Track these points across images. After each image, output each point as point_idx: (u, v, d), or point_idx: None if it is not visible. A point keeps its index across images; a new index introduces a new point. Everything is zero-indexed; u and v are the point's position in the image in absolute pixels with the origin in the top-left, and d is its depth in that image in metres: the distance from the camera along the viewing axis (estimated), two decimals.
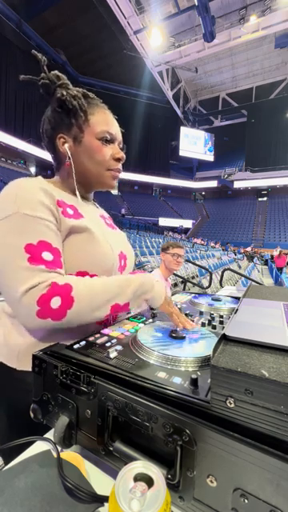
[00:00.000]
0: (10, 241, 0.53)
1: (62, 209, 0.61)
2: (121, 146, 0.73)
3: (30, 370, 0.60)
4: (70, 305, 0.52)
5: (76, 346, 0.49)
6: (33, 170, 23.31)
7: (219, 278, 5.76)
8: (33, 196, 0.57)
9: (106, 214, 0.85)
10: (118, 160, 0.70)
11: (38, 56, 0.65)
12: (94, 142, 0.66)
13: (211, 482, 0.30)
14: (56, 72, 0.67)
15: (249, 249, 19.94)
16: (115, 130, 0.70)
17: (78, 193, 0.69)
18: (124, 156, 0.71)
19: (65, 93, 0.64)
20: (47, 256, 0.55)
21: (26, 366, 0.60)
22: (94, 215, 0.73)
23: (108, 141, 0.68)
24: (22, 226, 0.54)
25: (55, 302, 0.51)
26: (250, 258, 16.13)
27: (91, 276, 0.63)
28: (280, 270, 12.43)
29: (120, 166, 0.72)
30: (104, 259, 0.65)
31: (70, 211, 0.63)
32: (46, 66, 0.66)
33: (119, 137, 0.71)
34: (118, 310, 0.58)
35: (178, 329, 0.56)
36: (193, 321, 0.63)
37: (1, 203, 0.56)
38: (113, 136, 0.69)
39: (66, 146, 0.67)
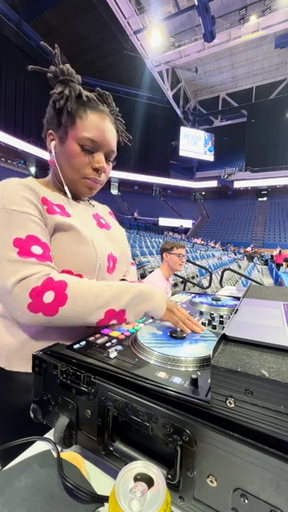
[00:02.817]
0: None
1: (46, 206, 0.61)
2: (112, 154, 0.69)
3: (19, 370, 0.60)
4: (62, 302, 0.51)
5: (76, 346, 0.49)
6: (33, 169, 23.31)
7: (219, 278, 5.75)
8: (18, 192, 0.57)
9: (102, 213, 0.83)
10: (97, 170, 0.66)
11: (49, 48, 0.64)
12: (74, 147, 0.63)
13: (211, 481, 0.30)
14: (66, 66, 0.64)
15: (249, 249, 19.98)
16: (104, 137, 0.65)
17: (67, 191, 0.68)
18: (105, 167, 0.67)
19: (59, 90, 0.62)
20: (37, 250, 0.54)
21: (15, 366, 0.60)
22: (83, 215, 0.71)
23: (88, 149, 0.64)
24: (10, 221, 0.54)
25: (48, 297, 0.50)
26: (250, 258, 16.16)
27: (76, 276, 0.61)
28: (278, 266, 14.47)
29: (100, 176, 0.68)
30: (88, 259, 0.63)
31: (57, 209, 0.63)
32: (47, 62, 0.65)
33: (108, 145, 0.66)
34: (112, 317, 0.56)
35: (178, 329, 0.56)
36: None
37: None
38: (97, 144, 0.64)
39: (52, 143, 0.66)
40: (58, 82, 0.63)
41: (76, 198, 0.74)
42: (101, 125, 0.65)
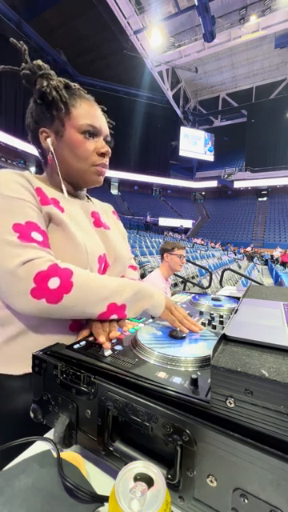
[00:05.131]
0: None
1: (40, 197, 0.59)
2: (108, 139, 0.69)
3: None
4: (68, 289, 0.49)
5: (76, 346, 0.49)
6: (33, 170, 23.29)
7: (219, 278, 5.75)
8: (14, 179, 0.56)
9: (103, 211, 0.81)
10: (103, 155, 0.66)
11: (18, 45, 0.62)
12: (76, 136, 0.63)
13: (211, 481, 0.30)
14: (38, 61, 0.63)
15: (249, 249, 20.00)
16: (100, 123, 0.66)
17: (64, 188, 0.66)
18: (109, 150, 0.67)
19: (45, 83, 0.60)
20: (37, 236, 0.53)
21: None
22: (78, 213, 0.69)
23: (91, 134, 0.65)
24: (8, 207, 0.53)
25: (54, 283, 0.48)
26: (250, 258, 16.21)
27: None
28: (284, 264, 15.53)
29: (106, 160, 0.68)
30: (77, 259, 0.60)
31: (50, 201, 0.61)
32: (43, 61, 0.63)
33: (105, 130, 0.68)
34: (113, 311, 0.54)
35: (177, 329, 0.56)
36: None
37: None
38: (96, 129, 0.65)
39: (49, 140, 0.64)
40: (39, 77, 0.62)
41: (73, 194, 0.72)
42: (93, 111, 0.66)
